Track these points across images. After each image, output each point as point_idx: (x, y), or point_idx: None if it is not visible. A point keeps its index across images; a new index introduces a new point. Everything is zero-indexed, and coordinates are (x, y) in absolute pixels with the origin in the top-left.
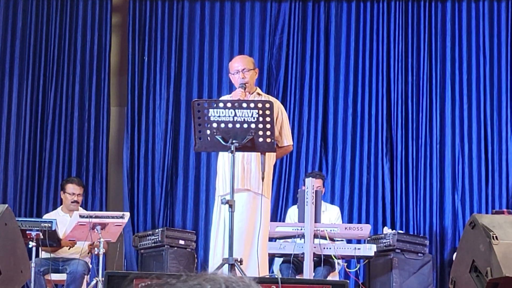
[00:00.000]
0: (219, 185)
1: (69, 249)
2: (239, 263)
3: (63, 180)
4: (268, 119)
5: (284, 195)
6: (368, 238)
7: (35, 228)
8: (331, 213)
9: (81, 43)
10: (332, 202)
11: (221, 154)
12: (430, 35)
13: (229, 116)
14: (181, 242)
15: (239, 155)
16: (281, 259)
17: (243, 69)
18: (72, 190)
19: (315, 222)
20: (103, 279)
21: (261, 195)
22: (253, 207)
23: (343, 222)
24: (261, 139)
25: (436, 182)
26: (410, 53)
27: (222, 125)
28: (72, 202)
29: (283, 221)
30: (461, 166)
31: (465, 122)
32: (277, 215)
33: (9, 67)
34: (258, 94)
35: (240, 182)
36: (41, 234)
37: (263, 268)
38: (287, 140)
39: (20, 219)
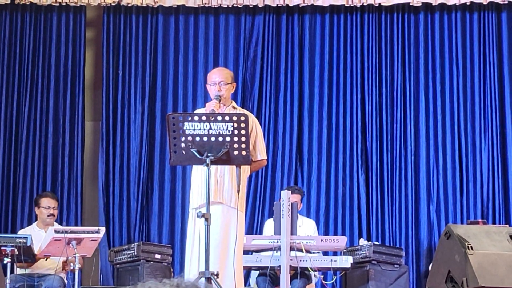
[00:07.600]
0: (192, 198)
1: (46, 260)
2: (215, 277)
3: (36, 195)
4: (243, 132)
5: (260, 208)
6: (344, 250)
7: (10, 244)
8: (307, 227)
9: (55, 58)
10: (308, 214)
11: (195, 167)
12: (404, 47)
13: (204, 129)
14: (157, 256)
15: (212, 167)
16: (258, 272)
17: (220, 82)
18: (47, 203)
19: (291, 234)
20: None
21: (235, 208)
22: (227, 220)
23: (319, 235)
24: (236, 152)
25: (411, 193)
26: (384, 65)
27: (197, 138)
28: (48, 216)
29: (259, 234)
30: (435, 177)
31: (439, 133)
32: (253, 228)
33: None
34: (233, 107)
35: (213, 195)
36: (16, 250)
37: (239, 281)
38: (261, 154)
39: None
